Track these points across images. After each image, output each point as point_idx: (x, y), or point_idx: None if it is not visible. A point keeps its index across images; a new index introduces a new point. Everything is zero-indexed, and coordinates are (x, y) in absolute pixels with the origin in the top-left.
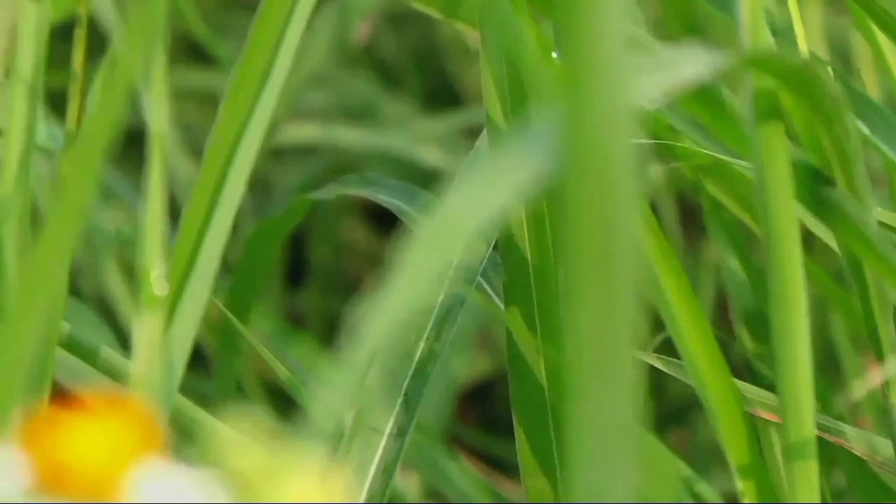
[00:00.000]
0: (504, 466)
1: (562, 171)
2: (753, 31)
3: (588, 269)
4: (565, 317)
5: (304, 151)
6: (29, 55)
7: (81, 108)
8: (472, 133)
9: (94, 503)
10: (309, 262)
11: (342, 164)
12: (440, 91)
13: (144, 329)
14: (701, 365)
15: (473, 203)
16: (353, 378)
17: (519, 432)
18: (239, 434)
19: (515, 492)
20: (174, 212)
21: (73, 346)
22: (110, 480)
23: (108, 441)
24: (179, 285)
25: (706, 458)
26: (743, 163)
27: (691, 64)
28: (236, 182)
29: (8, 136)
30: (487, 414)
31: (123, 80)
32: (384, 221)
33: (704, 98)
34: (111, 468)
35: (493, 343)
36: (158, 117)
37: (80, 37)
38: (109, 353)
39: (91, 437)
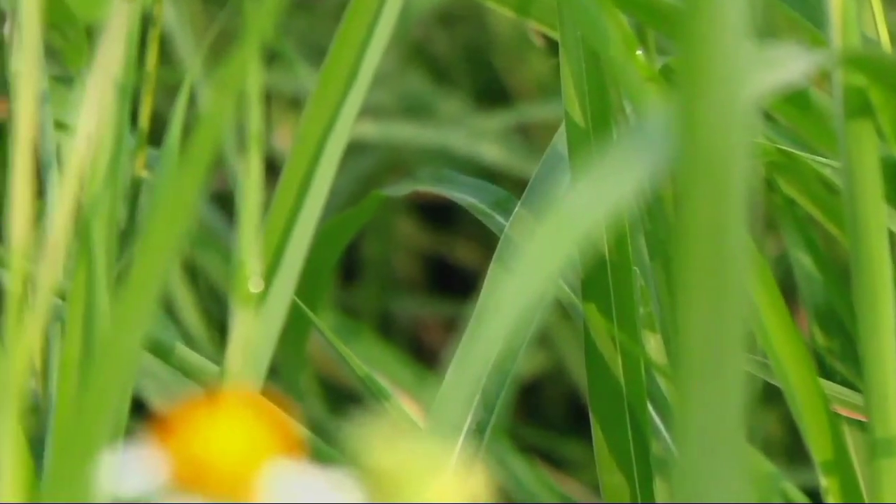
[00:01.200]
0: (555, 462)
1: (676, 168)
2: (845, 30)
3: (701, 266)
4: (677, 315)
5: (352, 148)
6: (120, 55)
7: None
8: (522, 130)
9: (230, 502)
10: (362, 258)
11: (394, 161)
12: (489, 88)
13: (240, 326)
14: (787, 363)
15: (590, 201)
16: (475, 378)
17: (595, 429)
18: (374, 434)
19: (571, 488)
20: (227, 209)
21: (148, 344)
22: (246, 479)
23: (245, 439)
24: (266, 283)
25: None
26: (819, 158)
27: (792, 62)
28: (322, 180)
29: (100, 136)
30: (536, 411)
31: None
32: (436, 218)
33: (791, 94)
34: (247, 466)
35: (544, 340)
36: (255, 119)
37: (154, 36)
38: (184, 350)
39: (228, 436)
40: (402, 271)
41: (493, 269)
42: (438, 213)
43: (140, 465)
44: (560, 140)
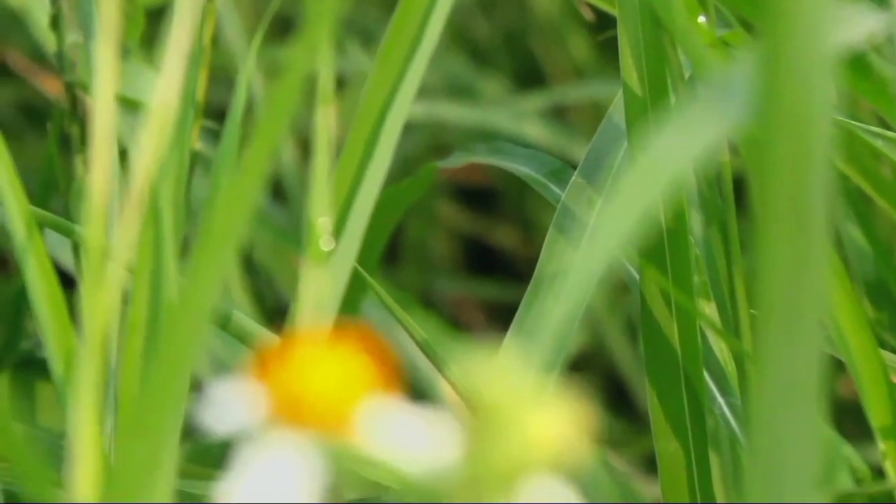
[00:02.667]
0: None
1: (756, 124)
2: None
3: (783, 220)
4: (757, 274)
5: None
6: (191, 31)
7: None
8: (558, 111)
9: (329, 438)
10: (404, 240)
11: (437, 141)
12: (528, 71)
13: (310, 282)
14: (848, 331)
15: (669, 156)
16: (563, 322)
17: (651, 396)
18: (474, 369)
19: (616, 463)
20: (277, 193)
21: None
22: (344, 414)
23: (344, 374)
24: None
25: None
26: (872, 128)
27: (856, 24)
28: (385, 148)
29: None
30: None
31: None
32: (475, 201)
33: (850, 60)
34: (345, 402)
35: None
36: (325, 85)
37: (210, 10)
38: (241, 318)
39: (326, 370)
40: (442, 253)
41: (551, 235)
42: (478, 197)
43: (238, 401)
44: (616, 111)
